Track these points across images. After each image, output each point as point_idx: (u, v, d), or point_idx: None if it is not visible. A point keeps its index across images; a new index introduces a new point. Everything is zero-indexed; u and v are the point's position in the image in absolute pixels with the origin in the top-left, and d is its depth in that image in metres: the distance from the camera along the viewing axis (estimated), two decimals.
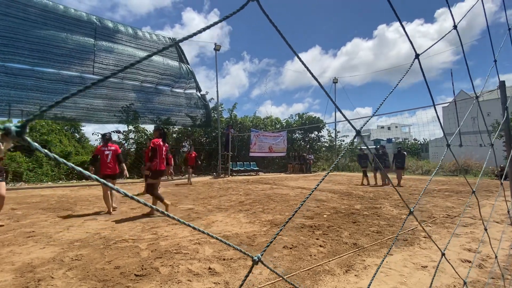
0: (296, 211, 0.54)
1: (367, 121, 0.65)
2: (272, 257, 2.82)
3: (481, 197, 7.11)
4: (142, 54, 12.65)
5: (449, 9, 0.82)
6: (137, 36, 12.89)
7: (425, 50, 0.73)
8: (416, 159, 21.03)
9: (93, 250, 2.98)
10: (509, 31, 1.41)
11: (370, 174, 10.77)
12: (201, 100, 15.34)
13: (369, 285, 0.70)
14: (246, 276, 0.48)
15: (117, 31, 12.19)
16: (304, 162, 18.61)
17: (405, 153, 10.36)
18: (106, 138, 5.53)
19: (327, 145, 23.02)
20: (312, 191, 0.62)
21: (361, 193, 7.93)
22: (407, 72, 0.71)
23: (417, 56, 0.70)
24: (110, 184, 0.39)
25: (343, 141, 22.53)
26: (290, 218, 0.54)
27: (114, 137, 13.85)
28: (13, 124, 0.30)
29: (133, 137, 15.06)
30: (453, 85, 5.87)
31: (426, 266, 2.61)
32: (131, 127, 14.66)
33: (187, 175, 10.73)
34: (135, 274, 2.38)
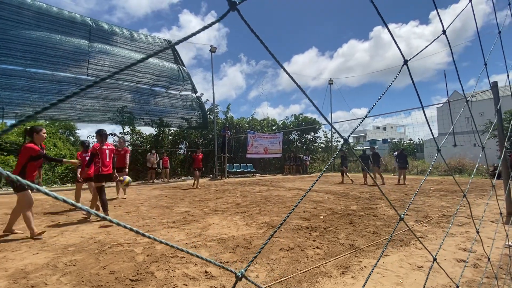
0: (287, 217, 0.53)
1: (356, 128, 0.65)
2: (269, 259, 2.81)
3: (476, 196, 7.19)
4: (138, 56, 12.61)
5: (438, 14, 0.83)
6: (133, 38, 12.85)
7: (414, 56, 0.74)
8: (412, 159, 21.22)
9: (88, 255, 2.95)
10: (499, 34, 1.44)
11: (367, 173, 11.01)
12: (197, 102, 15.31)
13: (363, 286, 0.70)
14: None
15: (112, 33, 12.15)
16: (300, 163, 18.65)
17: (406, 154, 11.80)
18: (85, 145, 5.69)
19: (324, 146, 23.10)
20: (304, 196, 0.61)
21: (357, 193, 7.97)
22: (395, 78, 0.71)
23: (405, 62, 0.70)
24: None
25: (339, 141, 22.63)
26: (279, 227, 0.54)
27: (110, 139, 13.70)
28: None
29: (128, 139, 14.95)
30: (446, 86, 5.96)
31: (422, 267, 2.63)
32: (126, 129, 14.57)
33: (194, 179, 9.91)
34: (130, 279, 2.36)
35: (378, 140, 37.06)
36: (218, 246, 3.25)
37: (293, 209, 0.55)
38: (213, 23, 0.41)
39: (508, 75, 1.68)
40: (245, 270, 0.45)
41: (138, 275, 2.44)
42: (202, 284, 2.28)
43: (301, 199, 0.63)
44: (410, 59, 0.71)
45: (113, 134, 14.07)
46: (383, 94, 0.69)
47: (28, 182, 0.33)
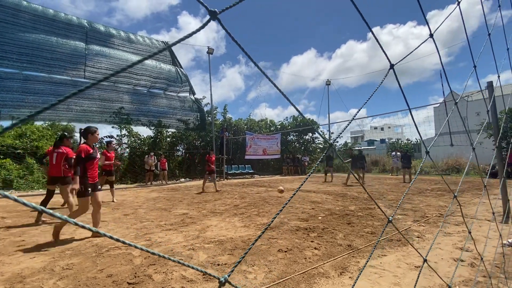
0: (274, 218, 0.54)
1: (341, 133, 0.66)
2: (267, 261, 2.81)
3: (473, 195, 7.23)
4: (135, 58, 12.57)
5: (425, 19, 0.85)
6: (130, 40, 12.83)
7: (399, 61, 0.75)
8: (411, 159, 21.34)
9: (85, 259, 2.93)
10: (489, 36, 1.47)
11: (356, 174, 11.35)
12: (195, 103, 15.30)
13: (353, 285, 0.70)
14: None
15: (109, 35, 12.11)
16: (299, 164, 18.67)
17: (410, 155, 12.98)
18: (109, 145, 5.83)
19: (322, 146, 23.16)
20: (292, 196, 0.62)
21: (355, 194, 7.99)
22: (381, 82, 0.72)
23: (391, 66, 0.72)
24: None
25: (337, 142, 22.72)
26: (266, 229, 0.55)
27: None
28: None
29: (126, 141, 14.91)
30: (442, 86, 6.00)
31: (419, 266, 2.64)
32: (124, 131, 14.52)
33: (211, 181, 9.22)
34: (127, 282, 2.35)
35: (376, 140, 37.20)
36: (216, 248, 3.25)
37: (281, 210, 0.56)
38: (193, 32, 0.42)
39: (498, 76, 1.71)
40: (229, 276, 0.45)
41: (135, 278, 2.43)
42: (200, 286, 2.28)
43: (289, 199, 0.64)
44: (396, 64, 0.72)
45: (111, 137, 14.02)
46: (369, 99, 0.70)
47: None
